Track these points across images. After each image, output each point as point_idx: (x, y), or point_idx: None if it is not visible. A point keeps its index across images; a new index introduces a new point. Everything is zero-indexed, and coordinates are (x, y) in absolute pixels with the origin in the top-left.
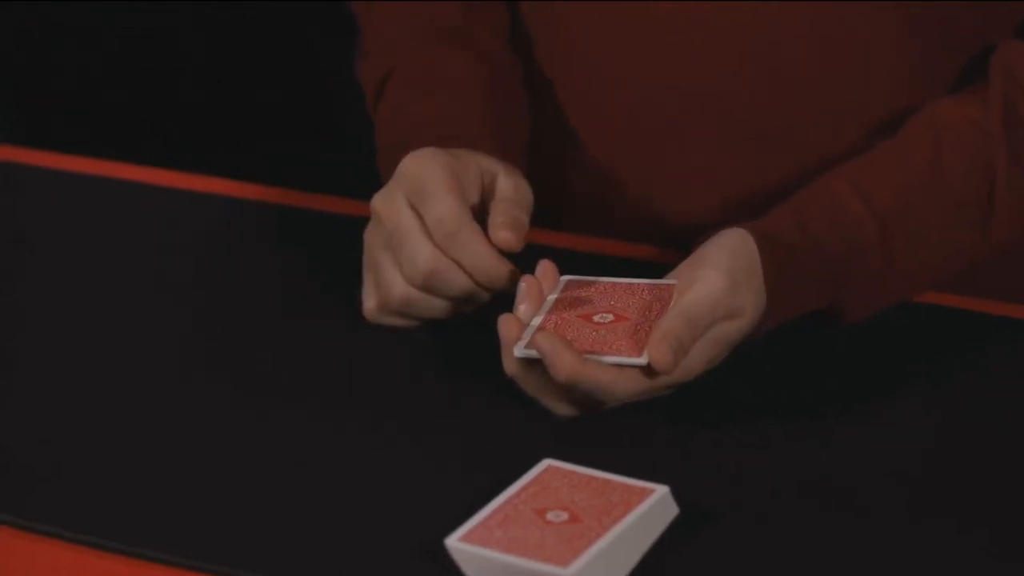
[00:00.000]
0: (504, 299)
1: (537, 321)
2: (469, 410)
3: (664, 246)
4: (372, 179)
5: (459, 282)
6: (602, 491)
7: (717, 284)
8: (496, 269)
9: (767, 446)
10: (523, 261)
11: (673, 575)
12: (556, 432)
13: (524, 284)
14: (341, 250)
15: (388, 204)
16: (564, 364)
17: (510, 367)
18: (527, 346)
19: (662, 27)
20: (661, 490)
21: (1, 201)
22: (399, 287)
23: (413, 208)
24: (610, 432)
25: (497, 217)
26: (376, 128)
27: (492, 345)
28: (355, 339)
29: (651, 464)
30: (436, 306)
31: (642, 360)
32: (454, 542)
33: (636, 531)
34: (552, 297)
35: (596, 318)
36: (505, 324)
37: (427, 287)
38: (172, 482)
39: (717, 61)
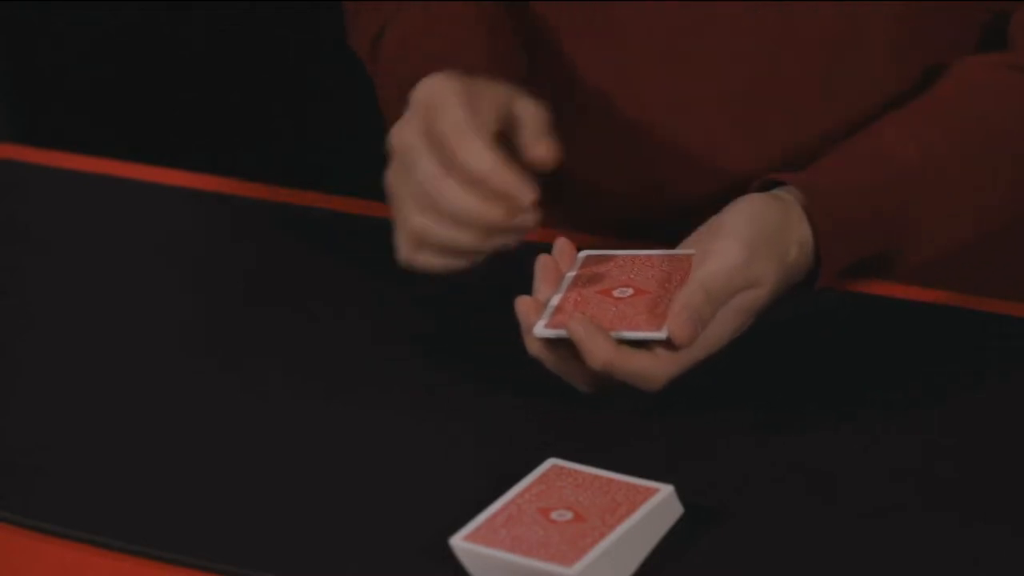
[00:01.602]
0: (522, 281)
1: (556, 300)
2: (473, 409)
3: (654, 230)
4: (372, 178)
5: (457, 199)
6: (606, 490)
7: (734, 255)
8: (500, 175)
9: (768, 445)
10: (524, 257)
11: (676, 574)
12: (560, 431)
13: (540, 263)
14: (343, 248)
15: (400, 133)
16: (599, 351)
17: (532, 348)
18: (548, 325)
19: (660, 28)
20: (666, 489)
21: (2, 199)
22: (413, 217)
23: (425, 131)
24: (613, 431)
25: (527, 136)
26: (379, 71)
27: (497, 343)
28: (358, 338)
29: (653, 464)
30: (456, 237)
31: (662, 334)
32: (459, 541)
33: (641, 530)
34: (571, 274)
35: (616, 293)
36: (523, 306)
37: (435, 207)
38: (176, 480)
39: (716, 56)
